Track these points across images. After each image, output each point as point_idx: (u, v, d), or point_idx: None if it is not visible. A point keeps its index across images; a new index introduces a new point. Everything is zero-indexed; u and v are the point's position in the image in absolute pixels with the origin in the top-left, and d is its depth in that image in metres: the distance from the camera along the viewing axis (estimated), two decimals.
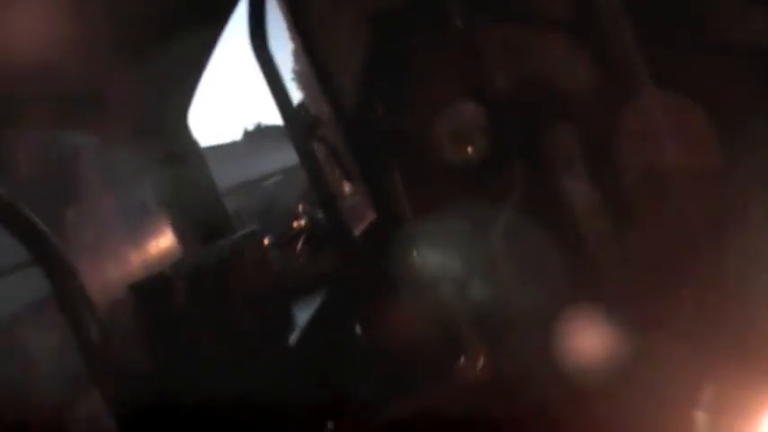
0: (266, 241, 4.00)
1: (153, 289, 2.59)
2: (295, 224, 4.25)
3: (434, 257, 2.16)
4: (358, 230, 2.66)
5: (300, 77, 2.94)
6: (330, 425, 2.30)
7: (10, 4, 1.89)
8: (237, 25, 2.76)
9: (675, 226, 1.91)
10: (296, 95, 2.60)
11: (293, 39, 2.49)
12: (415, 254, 2.17)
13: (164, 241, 3.20)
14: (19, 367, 2.16)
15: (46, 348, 2.25)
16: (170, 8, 2.68)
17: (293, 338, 2.68)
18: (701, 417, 1.78)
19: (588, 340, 1.89)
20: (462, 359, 2.17)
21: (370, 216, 2.51)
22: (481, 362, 2.14)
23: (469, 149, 2.12)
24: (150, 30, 2.64)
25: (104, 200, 2.79)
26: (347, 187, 2.83)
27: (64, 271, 2.09)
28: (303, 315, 3.01)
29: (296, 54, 2.88)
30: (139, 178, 3.20)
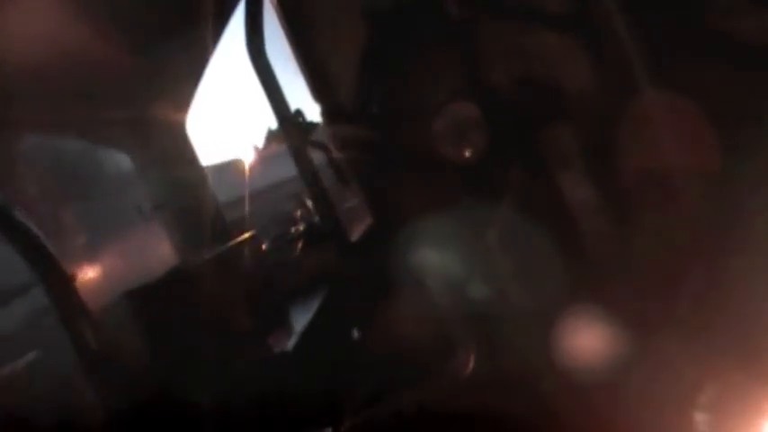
0: (264, 246, 4.00)
1: (149, 295, 2.58)
2: (293, 229, 4.26)
3: (430, 257, 2.15)
4: (355, 234, 2.65)
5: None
6: (329, 427, 2.29)
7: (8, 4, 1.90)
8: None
9: (675, 226, 1.90)
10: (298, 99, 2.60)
11: (289, 41, 2.48)
12: (410, 254, 2.16)
13: (160, 246, 3.19)
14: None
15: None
16: (165, 13, 2.69)
17: (291, 341, 2.68)
18: (700, 417, 1.78)
19: (587, 340, 1.88)
20: (455, 357, 2.16)
21: (368, 219, 2.50)
22: (473, 360, 2.13)
23: (467, 148, 2.11)
24: (146, 35, 2.64)
25: (99, 204, 2.78)
26: (344, 191, 2.83)
27: (59, 277, 2.09)
28: (301, 317, 3.01)
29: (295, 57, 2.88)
30: (135, 182, 3.20)
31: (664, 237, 1.92)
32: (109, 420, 2.15)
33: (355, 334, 2.94)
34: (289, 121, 2.55)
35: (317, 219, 3.95)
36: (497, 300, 2.08)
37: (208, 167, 3.96)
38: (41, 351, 2.32)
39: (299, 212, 4.33)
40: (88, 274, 2.46)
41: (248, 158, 6.62)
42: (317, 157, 2.63)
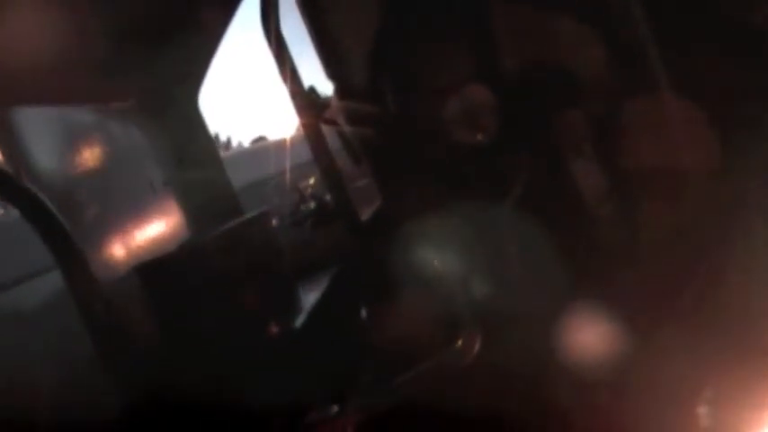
0: (274, 222, 4.01)
1: (160, 269, 2.59)
2: (302, 206, 4.25)
3: (439, 243, 2.15)
4: (365, 213, 2.65)
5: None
6: (334, 408, 2.30)
7: None
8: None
9: (682, 220, 1.88)
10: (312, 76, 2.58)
11: (303, 17, 2.46)
12: (419, 239, 2.16)
13: (171, 221, 3.20)
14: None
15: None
16: None
17: (299, 321, 2.69)
18: (703, 410, 1.77)
19: (591, 334, 1.87)
20: (458, 344, 2.17)
21: (378, 199, 2.49)
22: (477, 347, 2.13)
23: (478, 132, 2.09)
24: (158, 11, 2.63)
25: (111, 178, 2.79)
26: (356, 169, 2.82)
27: (70, 250, 2.10)
28: (309, 297, 3.02)
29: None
30: (147, 157, 3.20)
31: (670, 230, 1.90)
32: (120, 396, 2.17)
33: (363, 314, 2.95)
34: (301, 98, 2.54)
35: (327, 197, 3.94)
36: (503, 290, 2.07)
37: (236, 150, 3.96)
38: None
39: (309, 190, 4.32)
40: (100, 248, 2.48)
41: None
42: (329, 134, 2.62)
